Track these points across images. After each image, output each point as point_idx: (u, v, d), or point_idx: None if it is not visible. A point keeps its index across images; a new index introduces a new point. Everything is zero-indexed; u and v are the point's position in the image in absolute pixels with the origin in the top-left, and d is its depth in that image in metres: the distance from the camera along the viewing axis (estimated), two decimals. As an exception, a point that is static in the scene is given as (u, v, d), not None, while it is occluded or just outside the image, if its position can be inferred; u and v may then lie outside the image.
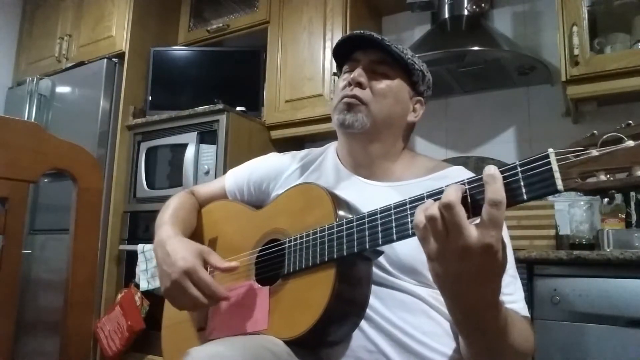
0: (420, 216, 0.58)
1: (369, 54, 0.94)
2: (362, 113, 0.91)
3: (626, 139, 0.50)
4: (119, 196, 2.47)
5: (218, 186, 1.11)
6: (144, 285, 2.12)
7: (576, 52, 1.65)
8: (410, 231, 0.63)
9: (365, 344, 0.75)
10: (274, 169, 1.04)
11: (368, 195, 0.87)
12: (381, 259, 0.79)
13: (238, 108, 2.35)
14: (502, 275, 0.59)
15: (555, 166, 0.52)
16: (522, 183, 0.55)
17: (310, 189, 0.83)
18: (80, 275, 0.95)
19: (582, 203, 1.73)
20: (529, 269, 1.43)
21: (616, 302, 1.30)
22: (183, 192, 1.10)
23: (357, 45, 0.95)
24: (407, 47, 0.97)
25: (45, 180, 2.57)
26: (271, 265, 0.84)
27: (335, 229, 0.73)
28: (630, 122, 0.51)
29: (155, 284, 2.11)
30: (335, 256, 0.72)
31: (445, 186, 0.59)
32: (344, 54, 0.98)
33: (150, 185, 2.40)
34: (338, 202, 0.77)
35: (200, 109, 2.29)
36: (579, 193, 0.55)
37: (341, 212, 0.76)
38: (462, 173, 0.92)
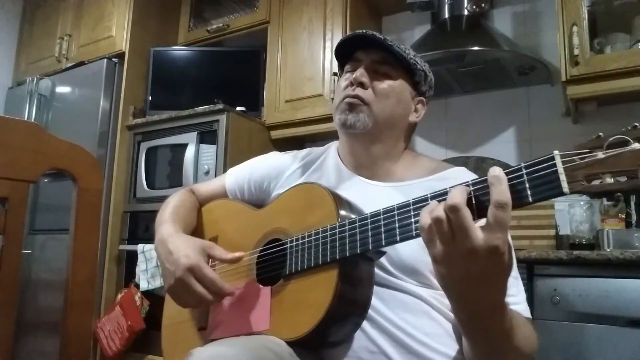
0: (425, 218, 0.58)
1: (371, 54, 0.93)
2: (364, 113, 0.90)
3: (632, 141, 0.50)
4: (119, 196, 2.47)
5: (218, 185, 1.10)
6: (144, 285, 2.12)
7: (576, 52, 1.65)
8: (414, 232, 0.63)
9: (366, 345, 0.75)
10: (275, 168, 1.04)
11: (370, 196, 0.87)
12: (382, 260, 0.78)
13: (238, 108, 2.35)
14: (508, 276, 0.59)
15: (560, 168, 0.52)
16: (527, 185, 0.54)
17: (312, 188, 0.83)
18: (80, 275, 0.95)
19: (582, 203, 1.73)
20: (529, 269, 1.44)
21: (616, 302, 1.30)
22: (183, 190, 1.09)
23: (359, 45, 0.95)
24: (409, 47, 0.97)
25: (45, 180, 2.57)
26: (272, 265, 0.83)
27: (337, 229, 0.73)
28: (637, 124, 0.51)
29: (155, 284, 2.11)
30: (337, 257, 0.71)
31: (450, 188, 0.59)
32: (345, 53, 0.98)
33: (150, 185, 2.40)
34: (340, 202, 0.77)
35: (200, 109, 2.29)
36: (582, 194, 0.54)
37: (343, 212, 0.75)
38: (464, 174, 0.92)
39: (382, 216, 0.67)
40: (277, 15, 2.49)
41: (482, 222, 0.55)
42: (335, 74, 2.22)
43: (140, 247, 2.18)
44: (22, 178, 0.89)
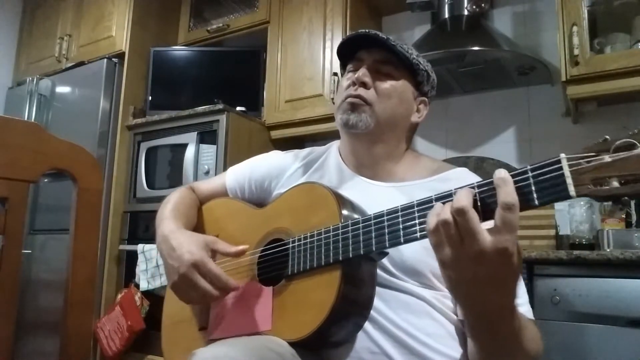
0: (432, 221, 0.57)
1: (374, 54, 0.93)
2: (366, 113, 0.90)
3: (639, 145, 0.50)
4: (119, 196, 2.47)
5: (219, 183, 1.10)
6: (144, 285, 2.12)
7: (576, 52, 1.65)
8: (418, 234, 0.63)
9: (368, 345, 0.75)
10: (276, 168, 1.03)
11: (371, 196, 0.86)
12: (384, 261, 0.78)
13: (238, 108, 2.35)
14: (517, 278, 0.58)
15: (567, 172, 0.52)
16: (533, 188, 0.54)
17: (314, 188, 0.82)
18: (80, 275, 0.95)
19: (582, 203, 1.73)
20: (529, 269, 1.44)
21: (616, 302, 1.30)
22: (183, 187, 1.08)
23: (361, 45, 0.95)
24: (411, 47, 0.96)
25: (45, 180, 2.56)
26: (274, 266, 0.83)
27: (340, 230, 0.72)
28: (643, 128, 0.51)
29: (155, 284, 2.11)
30: (340, 257, 0.71)
31: (455, 190, 0.59)
32: (348, 53, 0.97)
33: (150, 185, 2.40)
34: (343, 202, 0.77)
35: (200, 109, 2.29)
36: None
37: (346, 213, 0.75)
38: (467, 175, 0.91)
39: (385, 217, 0.67)
40: (277, 15, 2.49)
41: (488, 224, 0.55)
42: (335, 74, 2.22)
43: (140, 247, 2.18)
44: (22, 178, 0.89)
